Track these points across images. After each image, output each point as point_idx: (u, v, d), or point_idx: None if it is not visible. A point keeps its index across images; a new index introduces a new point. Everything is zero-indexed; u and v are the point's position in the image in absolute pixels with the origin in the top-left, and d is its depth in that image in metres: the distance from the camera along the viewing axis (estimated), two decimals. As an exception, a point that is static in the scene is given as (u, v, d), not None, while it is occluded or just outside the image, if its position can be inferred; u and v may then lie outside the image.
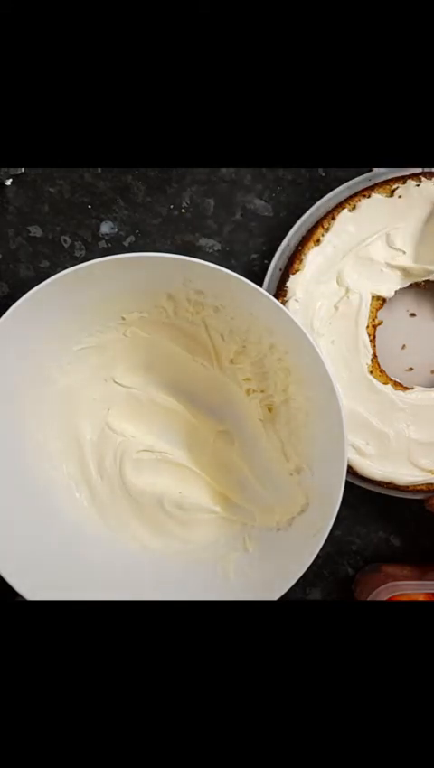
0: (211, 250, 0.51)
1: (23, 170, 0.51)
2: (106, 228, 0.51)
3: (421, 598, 0.45)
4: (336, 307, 0.48)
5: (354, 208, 0.47)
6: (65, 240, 0.51)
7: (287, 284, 0.47)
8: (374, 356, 0.48)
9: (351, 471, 0.47)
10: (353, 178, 0.48)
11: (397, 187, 0.47)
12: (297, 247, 0.48)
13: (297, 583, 0.43)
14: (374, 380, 0.48)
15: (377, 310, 0.48)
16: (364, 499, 0.51)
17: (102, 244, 0.51)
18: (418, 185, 0.47)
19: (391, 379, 0.48)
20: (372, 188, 0.48)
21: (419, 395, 0.48)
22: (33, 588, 0.44)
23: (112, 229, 0.51)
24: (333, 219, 0.47)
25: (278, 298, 0.47)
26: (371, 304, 0.48)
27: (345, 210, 0.47)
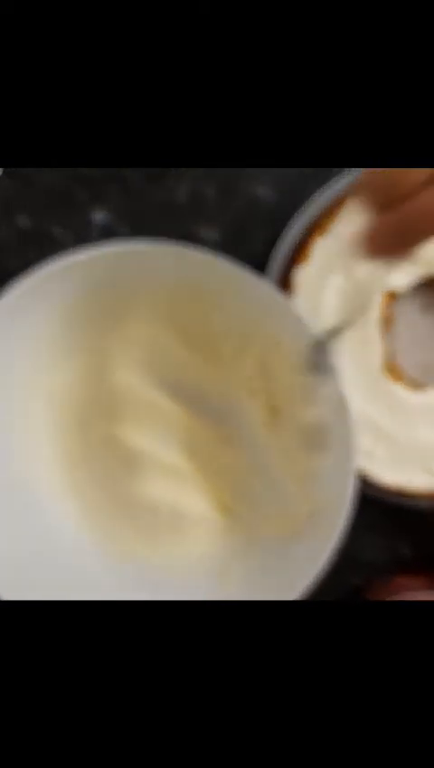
0: (211, 241, 0.50)
1: (11, 156, 0.50)
2: (99, 217, 0.50)
3: None
4: (345, 301, 0.46)
5: (364, 195, 0.46)
6: (56, 231, 0.50)
7: (293, 276, 0.46)
8: (385, 353, 0.47)
9: (360, 476, 0.46)
10: (363, 163, 0.47)
11: (409, 173, 0.46)
12: (302, 236, 0.47)
13: (303, 595, 0.42)
14: (385, 379, 0.47)
15: (388, 304, 0.47)
16: (374, 506, 0.49)
17: (95, 234, 0.50)
18: None
19: (402, 378, 0.47)
20: (383, 173, 0.46)
21: (432, 395, 0.47)
22: (25, 592, 0.43)
23: (106, 218, 0.50)
24: (341, 206, 0.46)
25: (282, 291, 0.46)
26: (382, 299, 0.47)
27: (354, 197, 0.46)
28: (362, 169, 0.47)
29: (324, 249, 0.46)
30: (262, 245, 0.50)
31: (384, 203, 0.31)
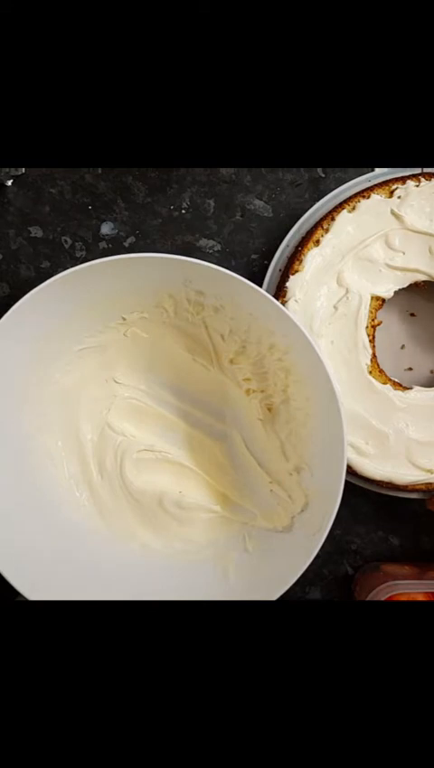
0: (211, 251, 0.51)
1: (23, 171, 0.51)
2: (106, 228, 0.51)
3: (420, 597, 0.45)
4: (336, 307, 0.48)
5: (354, 209, 0.47)
6: (66, 241, 0.51)
7: (287, 284, 0.47)
8: (374, 356, 0.48)
9: (350, 470, 0.48)
10: (353, 179, 0.49)
11: (396, 188, 0.48)
12: (296, 247, 0.48)
13: (297, 582, 0.43)
14: (374, 380, 0.48)
15: (376, 310, 0.48)
16: (364, 498, 0.51)
17: (103, 244, 0.51)
18: (417, 186, 0.47)
19: (390, 379, 0.48)
20: (371, 189, 0.48)
21: (418, 395, 0.48)
22: (33, 587, 0.44)
23: (113, 229, 0.51)
24: (332, 219, 0.47)
25: (277, 299, 0.47)
26: (370, 305, 0.48)
27: (345, 211, 0.47)
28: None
29: (316, 260, 0.47)
30: (259, 255, 0.51)
31: None
